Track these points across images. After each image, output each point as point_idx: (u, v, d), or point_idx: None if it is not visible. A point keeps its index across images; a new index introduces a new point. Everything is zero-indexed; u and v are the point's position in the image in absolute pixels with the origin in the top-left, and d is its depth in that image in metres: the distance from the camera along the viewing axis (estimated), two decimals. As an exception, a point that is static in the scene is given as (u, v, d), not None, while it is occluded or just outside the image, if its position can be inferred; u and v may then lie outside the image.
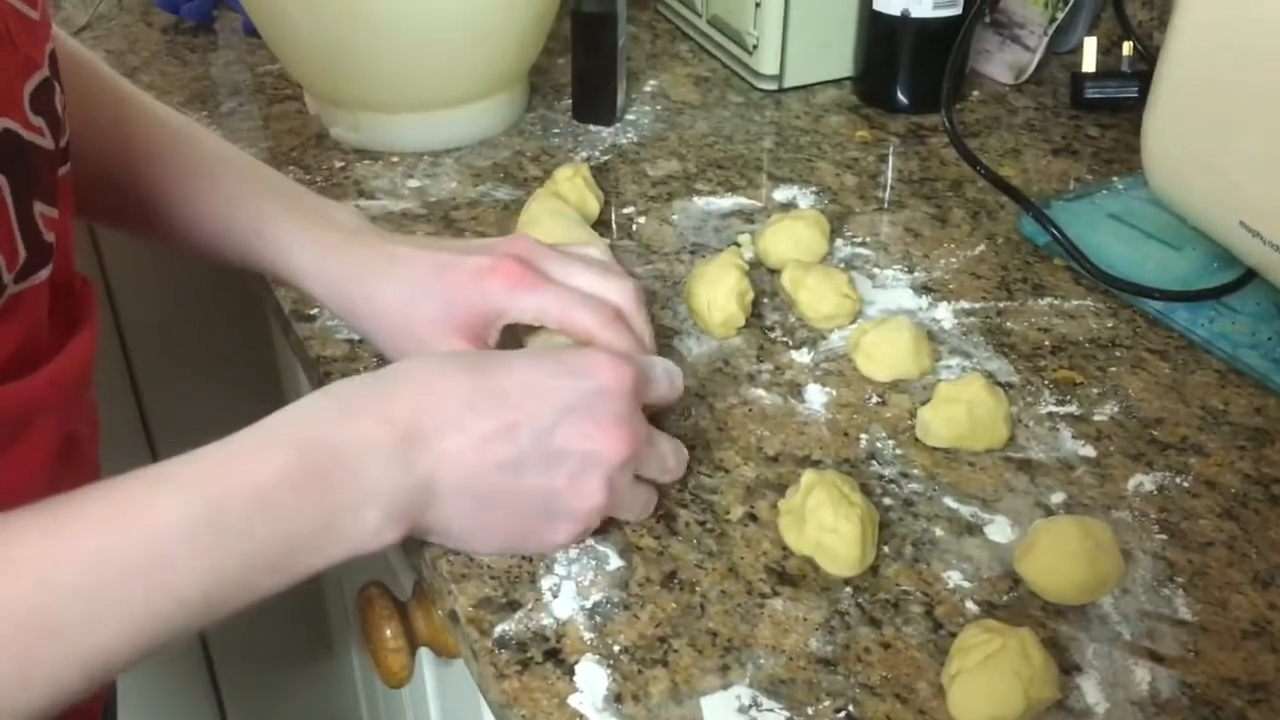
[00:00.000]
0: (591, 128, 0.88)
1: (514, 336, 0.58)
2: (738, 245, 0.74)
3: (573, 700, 0.45)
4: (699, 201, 0.79)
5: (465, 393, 0.48)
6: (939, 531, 0.53)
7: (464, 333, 0.56)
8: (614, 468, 0.49)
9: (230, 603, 0.43)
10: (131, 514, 0.41)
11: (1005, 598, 0.50)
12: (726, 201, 0.79)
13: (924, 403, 0.59)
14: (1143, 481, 0.56)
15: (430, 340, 0.56)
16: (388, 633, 0.58)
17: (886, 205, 0.79)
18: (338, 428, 0.45)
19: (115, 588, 0.40)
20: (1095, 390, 0.62)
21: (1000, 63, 0.95)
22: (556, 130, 0.87)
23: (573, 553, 0.52)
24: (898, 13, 0.86)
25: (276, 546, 0.43)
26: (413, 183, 0.80)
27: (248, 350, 1.06)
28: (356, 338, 0.65)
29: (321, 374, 0.63)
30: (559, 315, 0.55)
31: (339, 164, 0.83)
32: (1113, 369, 0.63)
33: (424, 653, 0.60)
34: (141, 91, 0.64)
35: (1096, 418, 0.60)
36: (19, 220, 0.45)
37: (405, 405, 0.46)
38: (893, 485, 0.56)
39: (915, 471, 0.56)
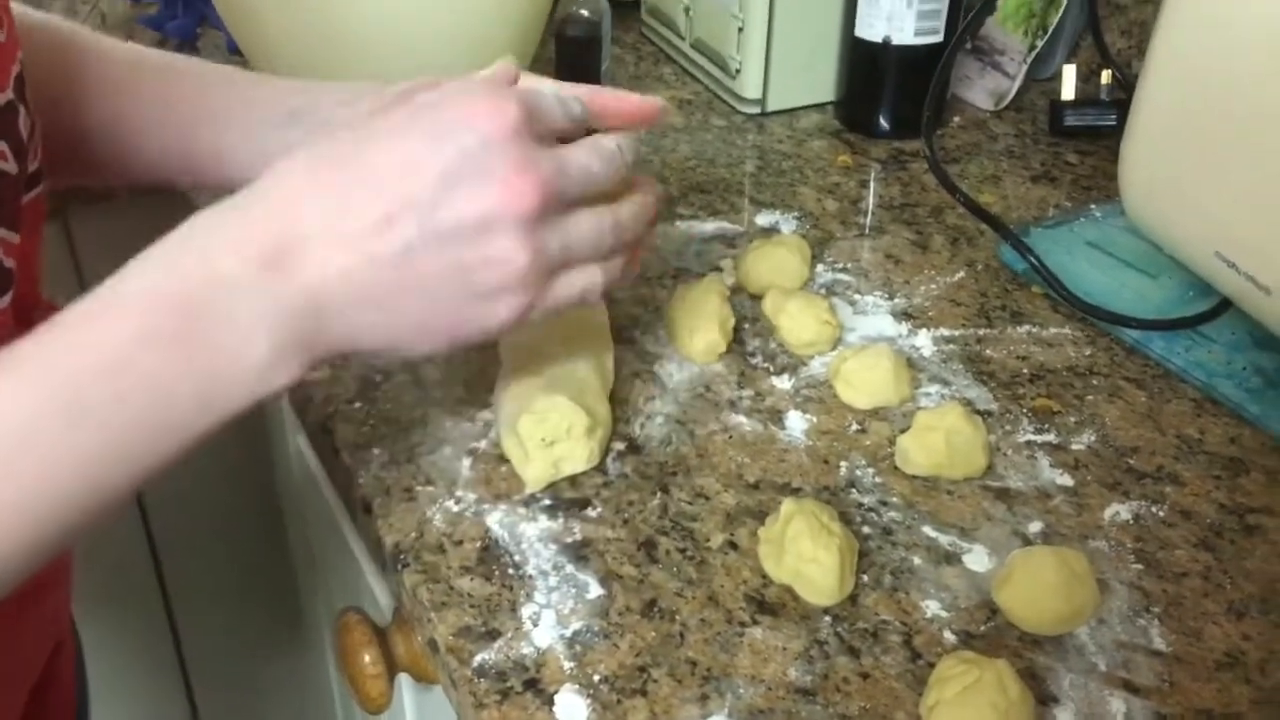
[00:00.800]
0: (575, 150, 0.88)
1: None
2: (719, 270, 0.74)
3: (552, 730, 0.46)
4: (681, 225, 0.79)
5: (328, 191, 0.43)
6: (917, 560, 0.53)
7: None
8: (522, 218, 0.43)
9: (124, 474, 0.40)
10: None
11: (983, 627, 0.50)
12: (709, 225, 0.79)
13: (903, 430, 0.59)
14: (1119, 511, 0.56)
15: None
16: (366, 658, 0.57)
17: (867, 231, 0.79)
18: (190, 276, 0.41)
19: None
20: (1073, 419, 0.62)
21: (981, 89, 0.96)
22: (540, 153, 0.87)
23: (553, 581, 0.52)
24: (880, 39, 0.87)
25: (153, 416, 0.40)
26: (395, 204, 0.80)
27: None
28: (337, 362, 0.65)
29: (302, 396, 0.63)
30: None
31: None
32: (1090, 397, 0.64)
33: (403, 678, 0.60)
34: (78, 27, 0.62)
35: (1074, 446, 0.60)
36: None
37: (264, 226, 0.42)
38: (872, 513, 0.56)
39: (894, 500, 0.57)
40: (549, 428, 0.55)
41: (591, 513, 0.55)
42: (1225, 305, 0.66)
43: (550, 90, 0.48)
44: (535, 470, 0.56)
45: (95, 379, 0.39)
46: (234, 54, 0.99)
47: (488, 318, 0.46)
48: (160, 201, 0.93)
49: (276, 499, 1.07)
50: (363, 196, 0.43)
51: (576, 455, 0.56)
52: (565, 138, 0.48)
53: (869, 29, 0.87)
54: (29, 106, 0.49)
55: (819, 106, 0.96)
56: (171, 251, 0.42)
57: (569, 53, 0.85)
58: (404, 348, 0.46)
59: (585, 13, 0.84)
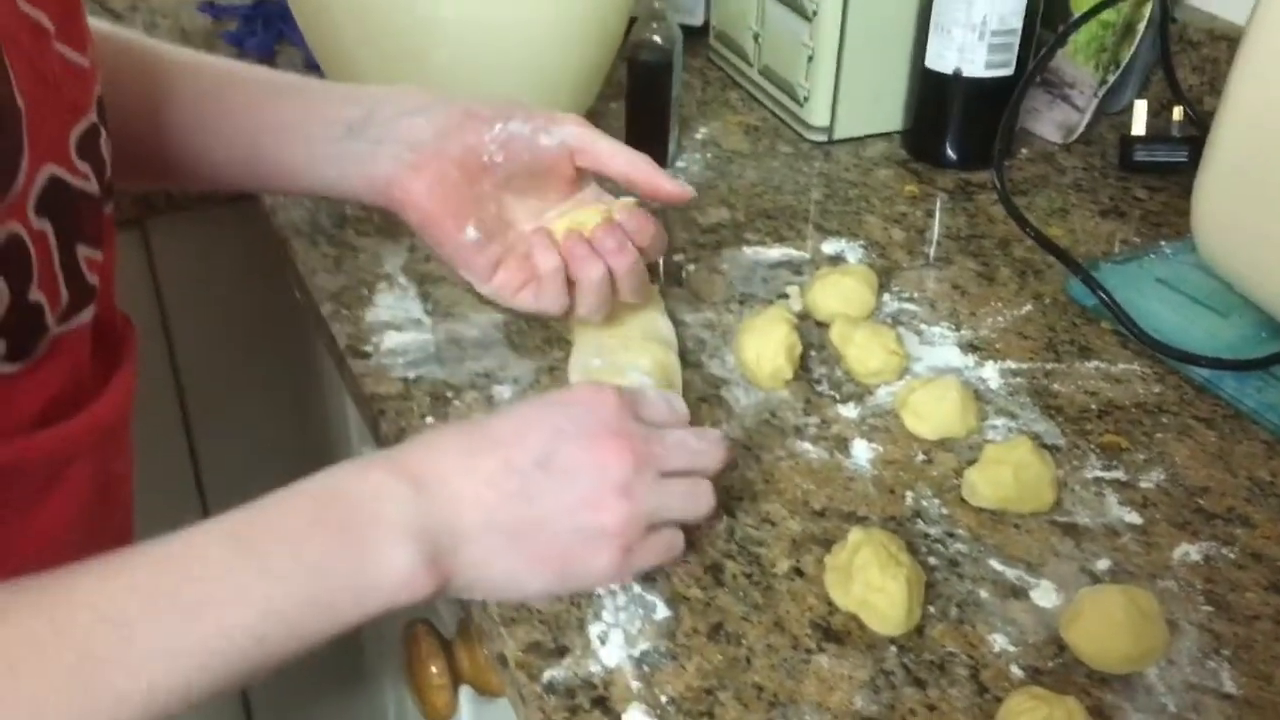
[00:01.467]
0: (643, 174, 0.89)
1: (559, 344, 0.60)
2: (786, 298, 0.75)
3: (619, 749, 0.46)
4: (748, 251, 0.80)
5: (462, 441, 0.50)
6: (984, 594, 0.53)
7: None
8: (624, 474, 0.49)
9: (279, 643, 0.44)
10: (178, 557, 0.43)
11: (1050, 664, 0.50)
12: (775, 252, 0.80)
13: (970, 462, 0.59)
14: (1189, 551, 0.56)
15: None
16: (433, 670, 0.59)
17: (933, 261, 0.80)
18: (352, 478, 0.47)
19: (169, 622, 0.41)
20: (1141, 456, 0.62)
21: (1049, 122, 0.96)
22: (608, 175, 0.88)
23: (620, 600, 0.52)
24: (950, 71, 0.87)
25: (312, 586, 0.44)
26: (467, 223, 0.82)
27: (299, 387, 1.07)
28: (411, 375, 0.66)
29: (375, 411, 0.64)
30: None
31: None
32: (1159, 435, 0.64)
33: (464, 690, 0.61)
34: (148, 38, 0.65)
35: (1143, 484, 0.60)
36: (62, 264, 0.46)
37: (411, 458, 0.48)
38: (938, 545, 0.56)
39: (961, 532, 0.57)
40: None
41: (659, 534, 0.56)
42: (1299, 346, 0.66)
43: (654, 390, 0.56)
44: None
45: (273, 544, 0.44)
46: (311, 68, 1.01)
47: (592, 562, 0.49)
48: (236, 213, 0.96)
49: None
50: (488, 444, 0.49)
51: None
52: None
53: (939, 60, 0.88)
54: (108, 128, 0.51)
55: (885, 136, 0.96)
56: (331, 469, 0.48)
57: (640, 78, 0.86)
58: (523, 583, 0.50)
59: (658, 39, 0.85)
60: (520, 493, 0.48)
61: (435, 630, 0.60)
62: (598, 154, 0.62)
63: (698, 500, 0.52)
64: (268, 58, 1.04)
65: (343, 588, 0.45)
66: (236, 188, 0.67)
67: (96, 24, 0.60)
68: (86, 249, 0.48)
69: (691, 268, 0.78)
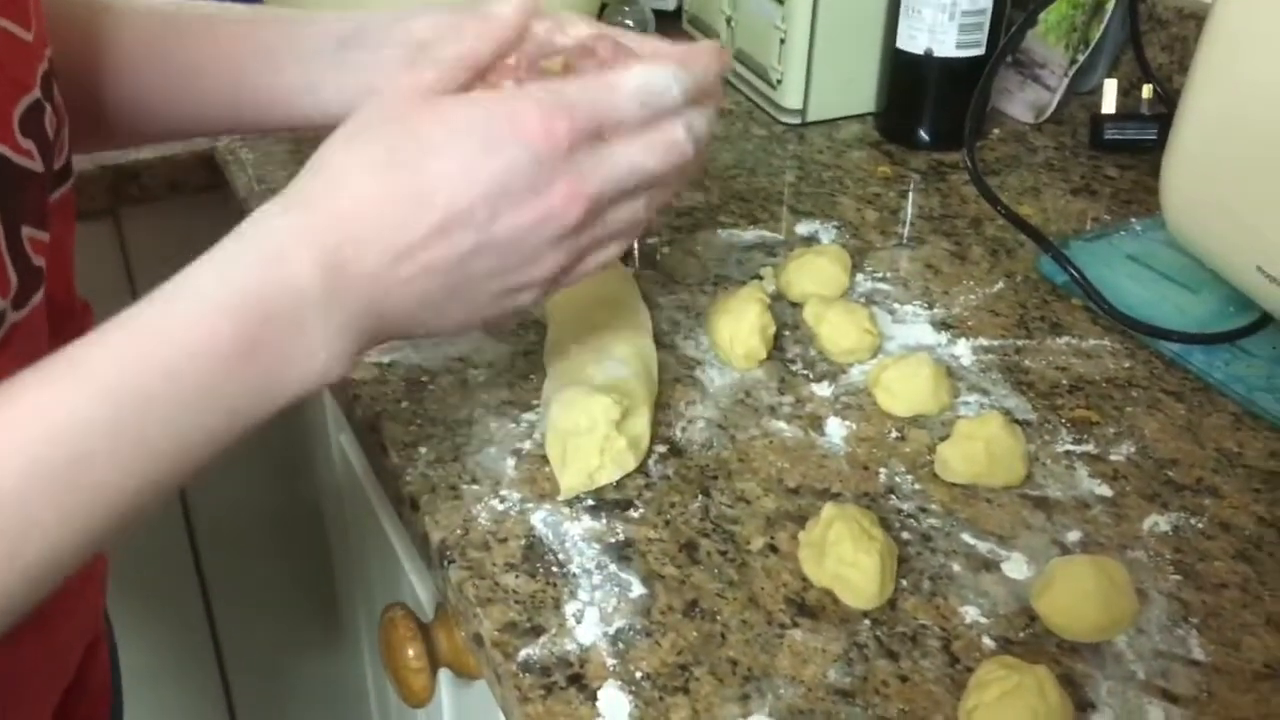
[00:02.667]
0: (617, 158, 0.89)
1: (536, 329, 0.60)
2: (760, 279, 0.75)
3: (595, 725, 0.46)
4: (722, 234, 0.80)
5: (386, 202, 0.44)
6: (956, 567, 0.54)
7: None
8: (564, 230, 0.46)
9: (181, 470, 0.42)
10: (50, 417, 0.39)
11: (1022, 634, 0.51)
12: (749, 234, 0.80)
13: (942, 438, 0.60)
14: (1158, 522, 0.57)
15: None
16: (410, 653, 0.59)
17: (907, 241, 0.80)
18: (261, 284, 0.42)
19: (44, 492, 0.39)
20: (1112, 430, 0.63)
21: (1021, 102, 0.97)
22: (582, 160, 0.88)
23: (596, 579, 0.53)
24: (921, 51, 0.88)
25: (215, 418, 0.42)
26: (441, 209, 0.82)
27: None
28: (386, 360, 0.66)
29: (350, 396, 0.65)
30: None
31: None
32: (1129, 409, 0.64)
33: (443, 673, 0.61)
34: None
35: (1113, 457, 0.61)
36: (8, 246, 0.45)
37: (326, 234, 0.43)
38: (911, 520, 0.57)
39: (933, 507, 0.57)
40: (577, 417, 0.56)
41: (634, 514, 0.56)
42: (1266, 320, 0.67)
43: (635, 83, 0.47)
44: (570, 479, 0.57)
45: (163, 384, 0.40)
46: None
47: (517, 303, 0.48)
48: (210, 202, 0.95)
49: (317, 497, 1.09)
50: (419, 209, 0.44)
51: (610, 467, 0.57)
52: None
53: (910, 41, 0.88)
54: (55, 104, 0.50)
55: (859, 117, 0.97)
56: (239, 256, 0.43)
57: (613, 61, 0.86)
58: (441, 335, 0.50)
59: (629, 22, 0.85)
60: (453, 264, 0.45)
61: (412, 614, 0.60)
62: (619, 40, 0.54)
63: (635, 227, 0.49)
64: None
65: (250, 403, 0.43)
66: (217, 131, 0.64)
67: None
68: (31, 229, 0.47)
69: (666, 250, 0.78)
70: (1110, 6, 0.91)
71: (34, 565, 0.39)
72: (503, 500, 0.57)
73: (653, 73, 0.47)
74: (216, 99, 0.61)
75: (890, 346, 0.69)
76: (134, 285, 1.01)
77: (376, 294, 0.44)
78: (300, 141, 0.91)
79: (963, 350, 0.69)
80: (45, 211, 0.49)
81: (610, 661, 0.49)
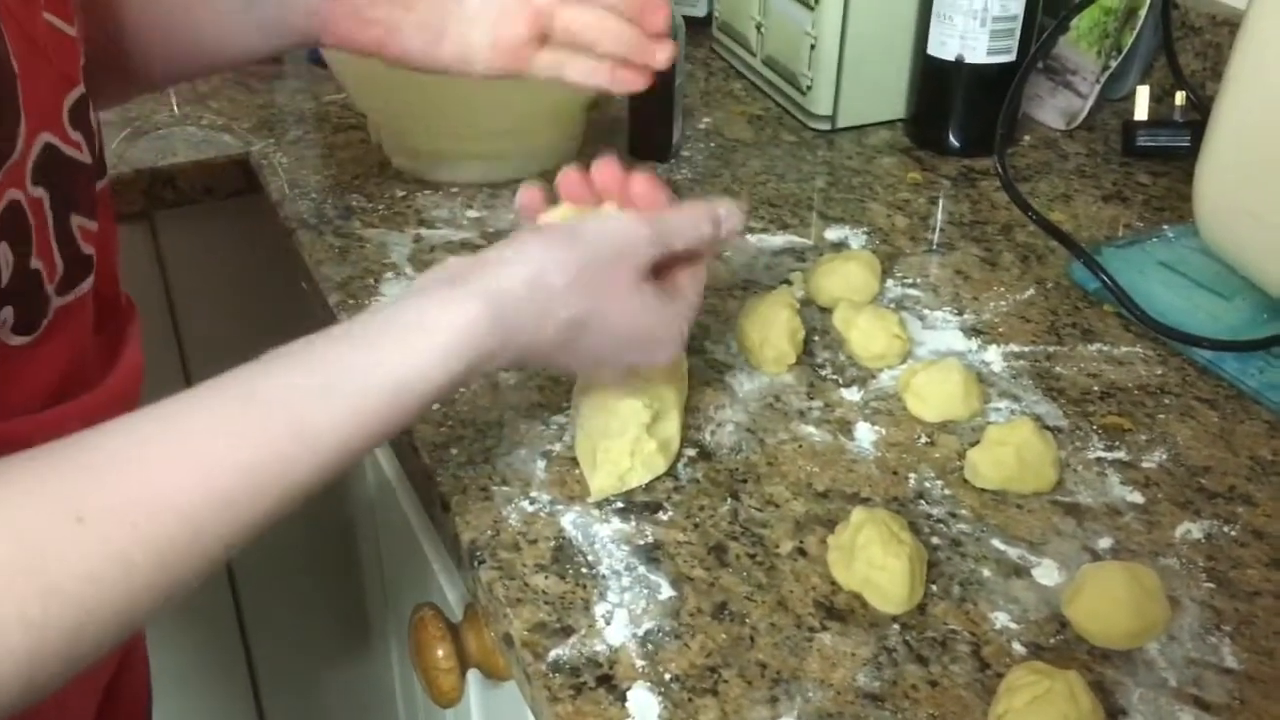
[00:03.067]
0: (646, 163, 0.89)
1: None
2: (789, 284, 0.75)
3: (624, 726, 0.47)
4: (751, 239, 0.80)
5: (528, 300, 0.50)
6: (986, 572, 0.54)
7: None
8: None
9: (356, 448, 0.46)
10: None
11: (1052, 640, 0.51)
12: (778, 239, 0.80)
13: (972, 444, 0.60)
14: (1190, 529, 0.56)
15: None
16: (440, 653, 0.59)
17: (937, 247, 0.80)
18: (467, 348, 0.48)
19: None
20: (1144, 437, 0.62)
21: (1052, 108, 0.96)
22: (612, 165, 0.89)
23: (625, 581, 0.53)
24: (952, 58, 0.88)
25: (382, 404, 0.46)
26: (472, 213, 0.82)
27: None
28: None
29: (382, 398, 0.65)
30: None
31: (400, 193, 0.85)
32: (1161, 416, 0.64)
33: (472, 674, 0.61)
34: None
35: (1145, 464, 0.60)
36: (57, 232, 0.46)
37: (520, 340, 0.50)
38: (941, 525, 0.56)
39: (963, 512, 0.57)
40: (608, 420, 0.57)
41: (663, 516, 0.57)
42: (1301, 327, 0.66)
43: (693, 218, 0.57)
44: (601, 481, 0.57)
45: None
46: (315, 63, 1.02)
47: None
48: (242, 205, 0.96)
49: (346, 497, 1.09)
50: (548, 301, 0.50)
51: (640, 469, 0.57)
52: None
53: (941, 47, 0.88)
54: (93, 95, 0.51)
55: (889, 123, 0.97)
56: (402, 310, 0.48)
57: (643, 67, 0.87)
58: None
59: (660, 28, 0.85)
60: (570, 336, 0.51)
61: (442, 614, 0.61)
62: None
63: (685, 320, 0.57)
64: (273, 52, 1.05)
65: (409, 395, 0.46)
66: (187, 74, 0.69)
67: None
68: (80, 219, 0.48)
69: (695, 255, 0.78)
70: (1143, 13, 0.91)
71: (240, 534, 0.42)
72: (533, 502, 0.57)
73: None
74: (182, 49, 0.64)
75: (920, 352, 0.69)
76: (169, 287, 1.02)
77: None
78: (333, 147, 0.92)
79: (993, 356, 0.69)
80: (94, 201, 0.50)
81: (639, 663, 0.49)
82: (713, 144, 0.93)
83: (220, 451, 0.40)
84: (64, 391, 0.48)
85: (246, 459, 0.41)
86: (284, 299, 0.95)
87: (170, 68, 0.66)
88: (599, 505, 0.57)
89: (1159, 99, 0.93)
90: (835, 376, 0.67)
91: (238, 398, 0.42)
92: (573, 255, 0.50)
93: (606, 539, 0.55)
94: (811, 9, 0.91)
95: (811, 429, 0.63)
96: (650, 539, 0.55)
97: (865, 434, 0.62)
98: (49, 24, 0.47)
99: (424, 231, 0.80)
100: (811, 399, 0.65)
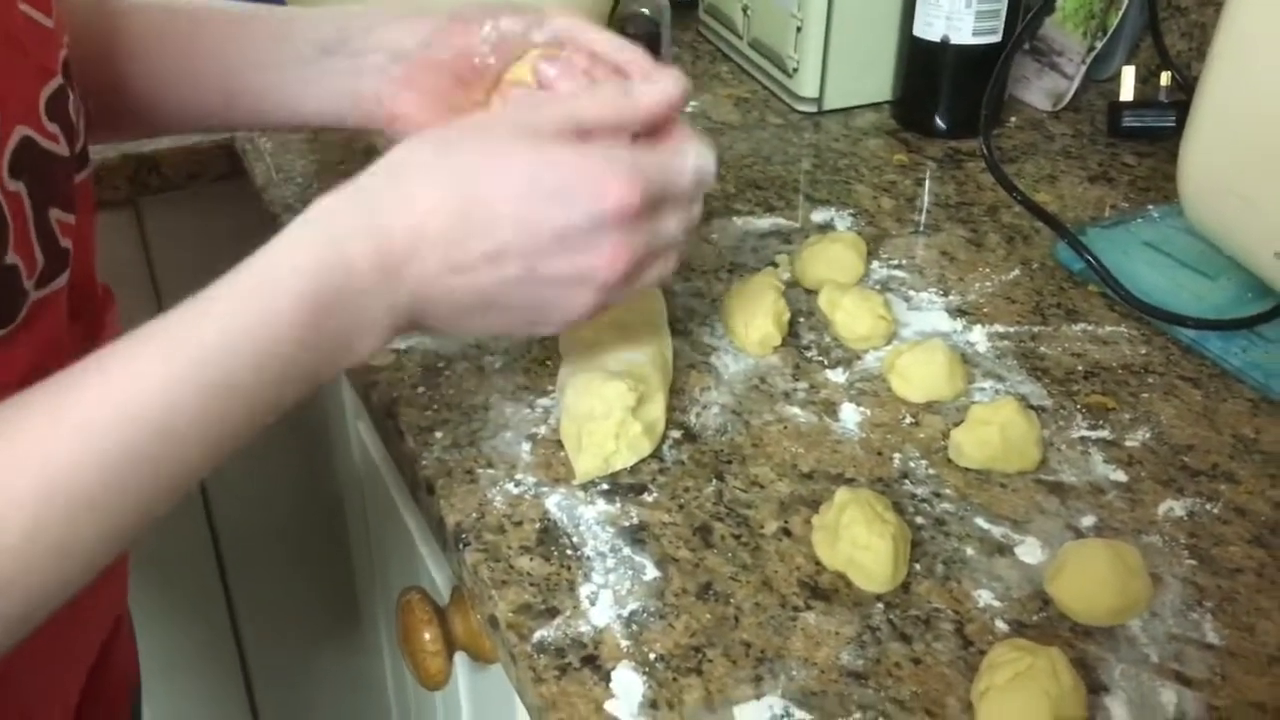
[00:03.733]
0: (633, 146, 0.89)
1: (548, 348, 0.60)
2: (775, 265, 0.75)
3: (609, 706, 0.47)
4: (737, 221, 0.80)
5: (455, 218, 0.47)
6: (970, 551, 0.54)
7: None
8: (609, 281, 0.49)
9: (240, 438, 0.44)
10: (143, 399, 0.41)
11: (1035, 618, 0.51)
12: (764, 221, 0.80)
13: (957, 424, 0.60)
14: (1173, 507, 0.57)
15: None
16: (427, 636, 0.59)
17: (923, 228, 0.80)
18: (330, 272, 0.45)
19: (129, 468, 0.41)
20: (1127, 416, 0.62)
21: (1038, 89, 0.96)
22: (598, 148, 0.89)
23: (610, 562, 0.53)
24: (937, 39, 0.87)
25: (277, 390, 0.44)
26: (457, 197, 0.82)
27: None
28: (402, 346, 0.66)
29: (367, 383, 0.65)
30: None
31: (386, 177, 0.84)
32: (1145, 395, 0.64)
33: (459, 656, 0.62)
34: None
35: (1128, 443, 0.61)
36: (37, 227, 0.46)
37: (392, 230, 0.46)
38: (925, 505, 0.57)
39: (947, 491, 0.57)
40: (593, 402, 0.57)
41: (648, 498, 0.57)
42: (1284, 306, 0.66)
43: (692, 160, 0.52)
44: (586, 463, 0.57)
45: (246, 361, 0.43)
46: None
47: (541, 331, 0.52)
48: (228, 191, 0.96)
49: (335, 483, 1.09)
50: (482, 234, 0.47)
51: (625, 452, 0.58)
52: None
53: (927, 28, 0.88)
54: (75, 89, 0.51)
55: (875, 105, 0.97)
56: (310, 241, 0.46)
57: (629, 50, 0.86)
58: (466, 332, 0.53)
59: (645, 11, 0.85)
60: (497, 286, 0.48)
61: (429, 597, 0.61)
62: (590, 43, 0.58)
63: (657, 282, 0.53)
64: None
65: (302, 381, 0.45)
66: (213, 128, 0.66)
67: None
68: (59, 212, 0.48)
69: (681, 238, 0.78)
70: (1128, -7, 0.91)
71: (110, 532, 0.41)
72: (518, 484, 0.57)
73: (705, 155, 0.52)
74: (209, 99, 0.62)
75: (905, 333, 0.69)
76: (154, 273, 1.02)
77: (422, 296, 0.47)
78: (318, 131, 0.91)
79: (978, 337, 0.69)
80: (71, 195, 0.49)
81: (624, 643, 0.49)
82: (699, 126, 0.93)
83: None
84: (38, 381, 0.48)
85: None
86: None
87: (176, 123, 0.65)
88: (584, 487, 0.57)
89: (1144, 80, 0.93)
90: (820, 358, 0.67)
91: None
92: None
93: (591, 521, 0.55)
94: (797, -9, 0.91)
95: (797, 410, 0.63)
96: (635, 520, 0.55)
97: (850, 415, 0.62)
98: (25, 16, 0.47)
99: (409, 215, 0.80)
100: (797, 380, 0.65)
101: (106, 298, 0.57)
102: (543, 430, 0.61)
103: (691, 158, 0.52)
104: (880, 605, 0.51)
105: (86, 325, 0.53)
